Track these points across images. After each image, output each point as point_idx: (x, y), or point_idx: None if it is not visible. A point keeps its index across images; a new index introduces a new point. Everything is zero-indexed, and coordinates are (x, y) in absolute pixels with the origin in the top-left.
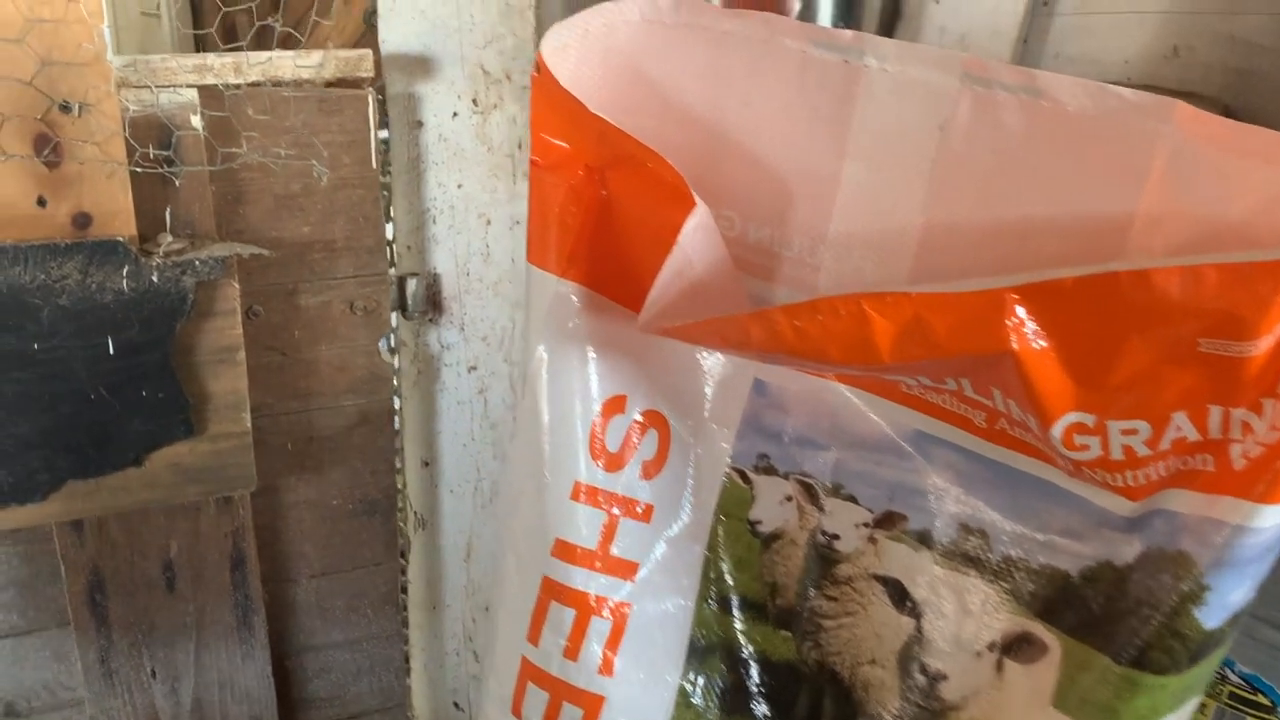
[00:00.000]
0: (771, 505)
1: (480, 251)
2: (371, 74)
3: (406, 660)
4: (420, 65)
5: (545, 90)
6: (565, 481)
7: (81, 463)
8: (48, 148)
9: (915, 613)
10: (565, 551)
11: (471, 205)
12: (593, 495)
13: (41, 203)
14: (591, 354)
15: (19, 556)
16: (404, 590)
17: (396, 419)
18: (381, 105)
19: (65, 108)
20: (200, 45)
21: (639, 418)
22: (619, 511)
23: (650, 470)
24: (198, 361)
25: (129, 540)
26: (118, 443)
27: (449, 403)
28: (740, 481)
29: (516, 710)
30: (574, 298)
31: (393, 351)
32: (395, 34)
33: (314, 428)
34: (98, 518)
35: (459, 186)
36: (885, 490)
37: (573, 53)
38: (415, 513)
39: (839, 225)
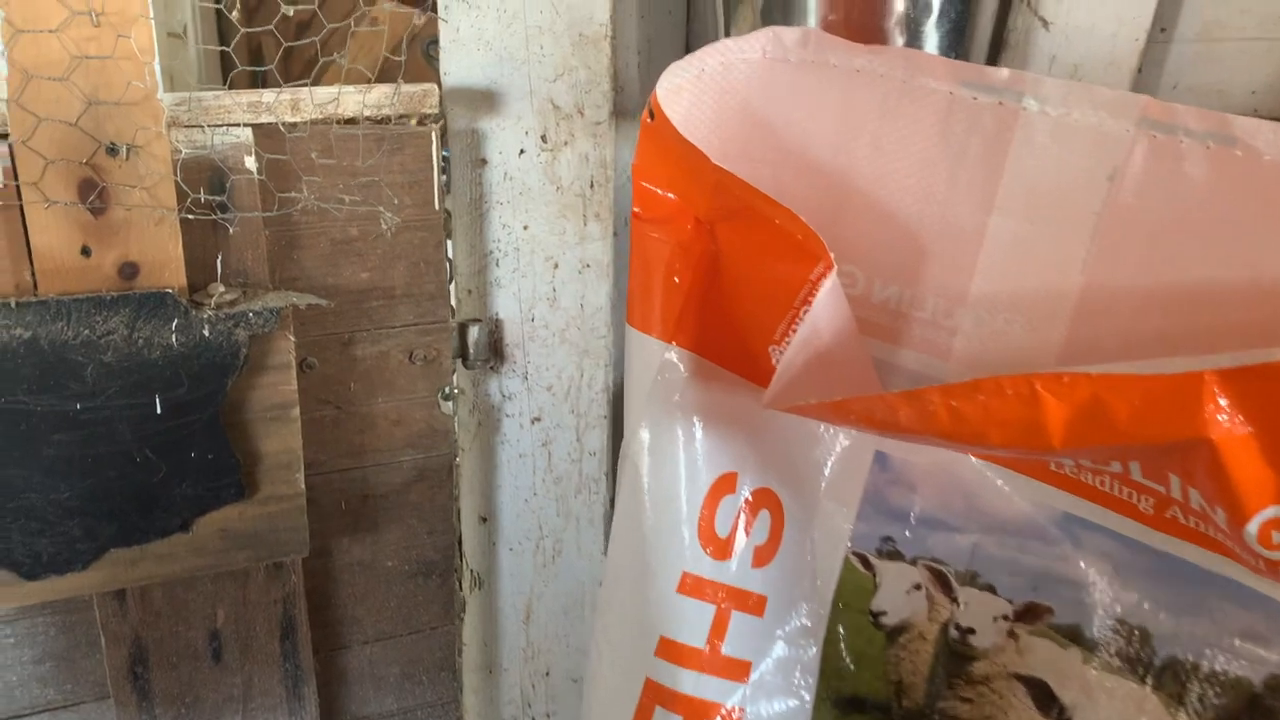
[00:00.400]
0: (897, 594)
1: (546, 296)
2: (436, 110)
3: None
4: (485, 100)
5: (657, 136)
6: (671, 572)
7: (125, 530)
8: (93, 193)
9: (1063, 718)
10: (671, 651)
11: (538, 248)
12: (701, 587)
13: (86, 252)
14: (700, 427)
15: (56, 627)
16: (459, 653)
17: (455, 474)
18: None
19: (112, 150)
20: (226, 68)
21: (749, 497)
22: (730, 604)
23: (763, 557)
24: (249, 420)
25: (174, 609)
26: (164, 508)
27: (510, 455)
28: (861, 567)
29: None
30: (681, 365)
31: (446, 399)
32: (458, 66)
33: (369, 485)
34: (141, 586)
35: (525, 228)
36: (1028, 579)
37: (686, 95)
38: (472, 571)
39: (982, 285)
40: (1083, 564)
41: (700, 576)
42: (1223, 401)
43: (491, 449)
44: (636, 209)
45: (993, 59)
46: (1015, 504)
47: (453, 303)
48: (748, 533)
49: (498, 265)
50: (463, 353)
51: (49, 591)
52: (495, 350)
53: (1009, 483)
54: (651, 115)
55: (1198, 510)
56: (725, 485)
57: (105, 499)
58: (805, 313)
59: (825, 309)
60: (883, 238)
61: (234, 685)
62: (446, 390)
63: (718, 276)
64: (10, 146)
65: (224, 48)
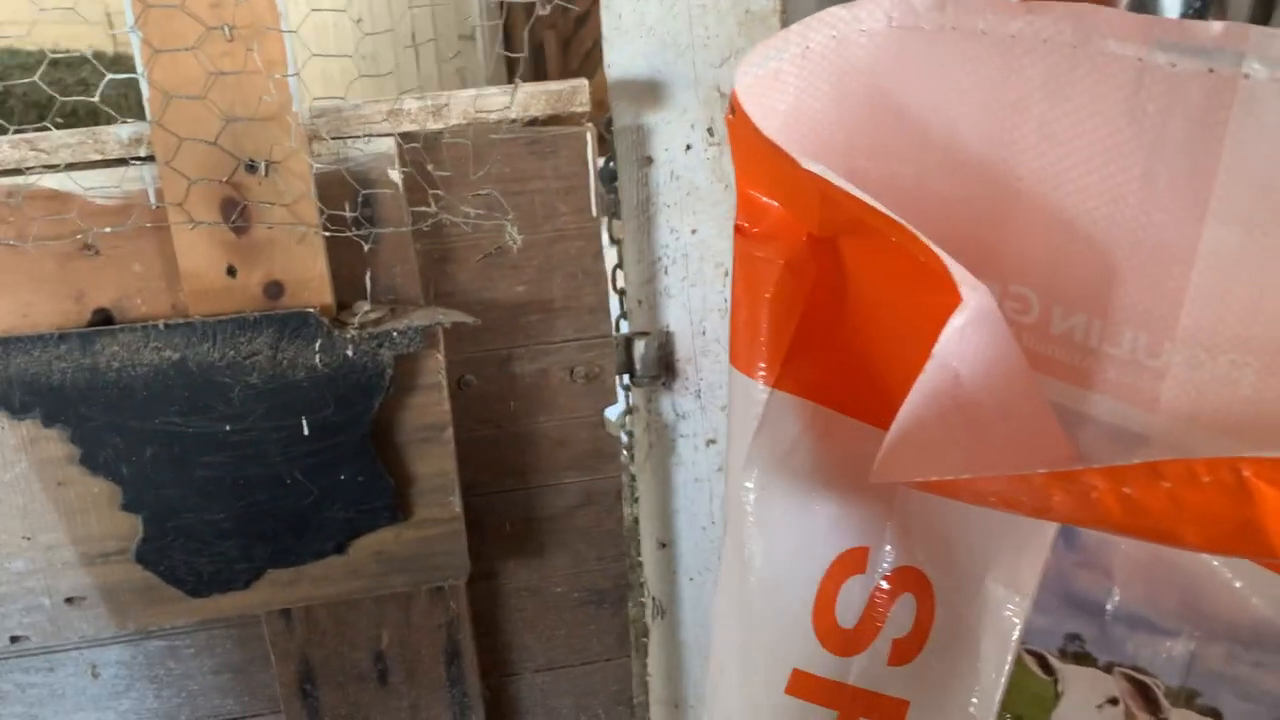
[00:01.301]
0: (1086, 709)
1: (718, 307)
2: (587, 108)
3: None
4: (649, 91)
5: (744, 136)
6: (780, 669)
7: (280, 551)
8: (235, 212)
9: None
10: None
11: (708, 253)
12: (819, 689)
13: (232, 272)
14: (818, 491)
15: (232, 640)
16: (645, 683)
17: (626, 497)
18: (605, 141)
19: (251, 167)
20: (511, 71)
21: (887, 578)
22: (858, 712)
23: (904, 653)
24: (401, 441)
25: (338, 630)
26: (316, 530)
27: (685, 479)
28: (1040, 671)
29: None
30: (793, 413)
31: (622, 421)
32: (621, 56)
33: (534, 508)
34: (305, 606)
35: (693, 232)
36: (1270, 707)
37: (790, 81)
38: (654, 599)
39: (1196, 315)
40: None
41: (817, 675)
42: None
43: (666, 471)
44: (742, 223)
45: (1264, 18)
46: (1254, 606)
47: (621, 314)
48: (882, 623)
49: (666, 274)
50: (629, 368)
51: (213, 609)
52: (666, 365)
53: (1242, 576)
54: (733, 112)
55: None
56: (852, 563)
57: (258, 520)
58: (933, 359)
59: (961, 350)
60: (1062, 252)
61: (401, 708)
62: (621, 408)
63: (843, 306)
64: (156, 168)
65: (519, 55)
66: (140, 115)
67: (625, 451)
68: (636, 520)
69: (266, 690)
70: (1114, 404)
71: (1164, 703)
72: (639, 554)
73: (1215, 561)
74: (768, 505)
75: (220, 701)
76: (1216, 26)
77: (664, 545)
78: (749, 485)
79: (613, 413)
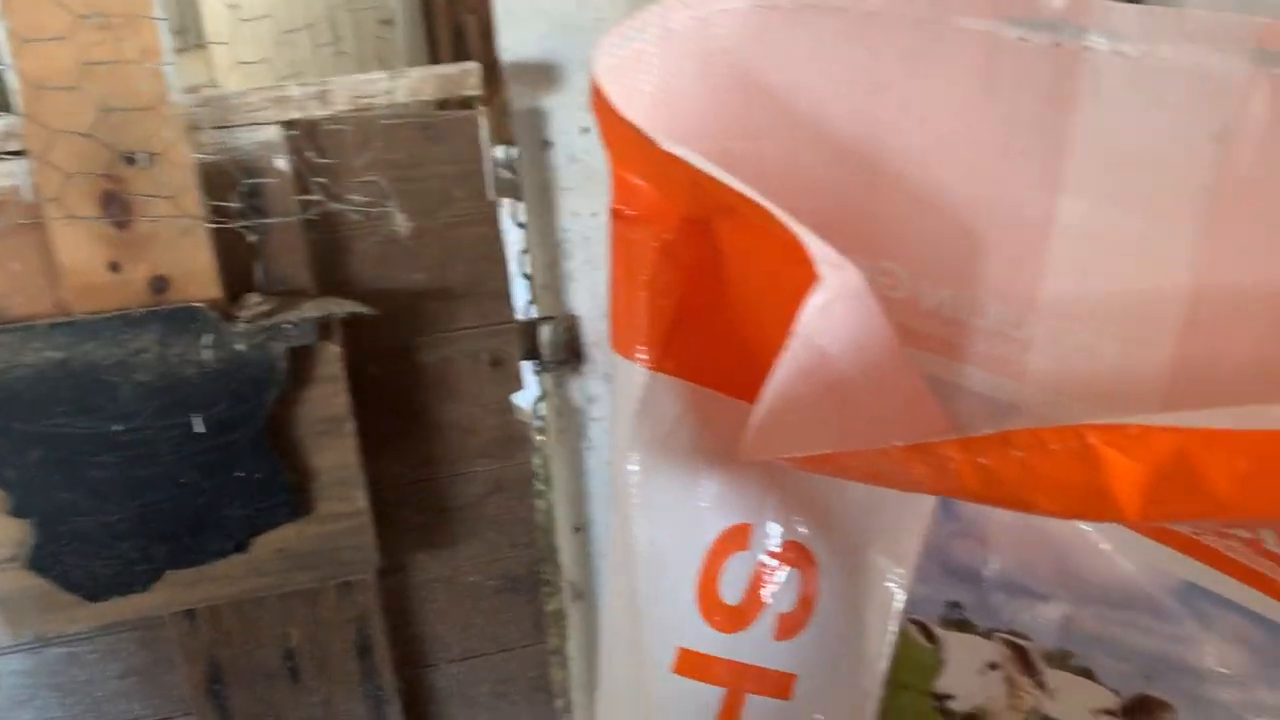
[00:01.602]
0: (967, 674)
1: None
2: (479, 91)
3: None
4: (543, 74)
5: (610, 120)
6: (666, 648)
7: (179, 551)
8: (115, 206)
9: None
10: None
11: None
12: (705, 667)
13: (115, 268)
14: (699, 470)
15: (136, 643)
16: (565, 669)
17: (537, 482)
18: (504, 125)
19: (130, 159)
20: (434, 54)
21: (771, 554)
22: (744, 687)
23: (789, 627)
24: (299, 435)
25: (245, 629)
26: (215, 529)
27: (598, 462)
28: (922, 639)
29: None
30: (673, 395)
31: (534, 407)
32: (514, 39)
33: (443, 498)
34: (209, 606)
35: (594, 215)
36: (1138, 665)
37: (654, 62)
38: (570, 583)
39: (1055, 286)
40: (1212, 651)
41: (702, 653)
42: None
43: (579, 455)
44: (618, 206)
45: None
46: (1120, 568)
47: (527, 300)
48: (768, 598)
49: (569, 257)
50: (535, 354)
51: (114, 612)
52: (573, 350)
53: (1111, 539)
54: (595, 94)
55: None
56: (735, 540)
57: (155, 521)
58: (792, 341)
59: (825, 327)
60: (926, 227)
61: (313, 705)
62: (532, 393)
63: (720, 286)
64: (29, 162)
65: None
66: (8, 109)
67: (538, 437)
68: (549, 509)
69: (175, 693)
70: (985, 375)
71: (1040, 665)
72: (555, 539)
73: (1084, 527)
74: (651, 486)
75: (127, 706)
76: (1060, 1)
77: (579, 529)
78: (632, 468)
79: (521, 399)
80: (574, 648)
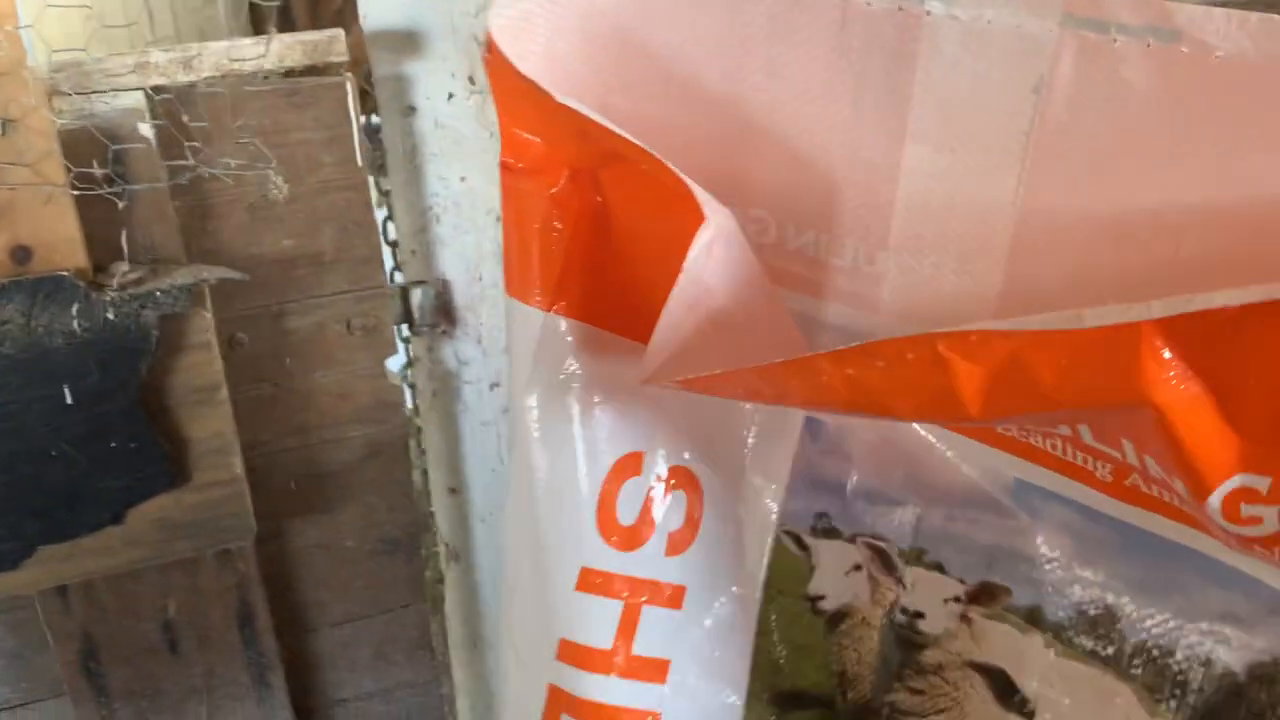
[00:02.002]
0: (836, 576)
1: (493, 253)
2: (345, 58)
3: (451, 704)
4: (406, 41)
5: (502, 76)
6: (568, 568)
7: (52, 526)
8: None
9: (1025, 711)
10: (574, 655)
11: (478, 200)
12: (605, 583)
13: None
14: (595, 404)
15: (3, 626)
16: (443, 629)
17: (413, 446)
18: (368, 94)
19: None
20: (257, 24)
21: (660, 478)
22: (640, 599)
23: (679, 543)
24: (173, 404)
25: (120, 603)
26: (90, 501)
27: (472, 424)
28: (795, 548)
29: None
30: (568, 334)
31: (403, 372)
32: (376, 6)
33: (319, 464)
34: (83, 582)
35: (462, 180)
36: (981, 556)
37: (540, 24)
38: (446, 545)
39: (903, 225)
40: (1041, 538)
41: (602, 570)
42: (1166, 355)
43: (453, 418)
44: (507, 159)
45: None
46: (962, 472)
47: (395, 265)
48: (659, 518)
49: (438, 222)
50: (408, 318)
51: None
52: (445, 314)
53: (955, 448)
54: (489, 51)
55: (1159, 479)
56: (629, 467)
57: (25, 496)
58: (681, 278)
59: (708, 264)
60: (790, 177)
61: (194, 676)
62: (401, 360)
63: (607, 232)
64: None
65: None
66: None
67: (411, 403)
68: (425, 472)
69: (47, 674)
70: (843, 309)
71: (898, 563)
72: (430, 504)
73: (932, 438)
74: (549, 421)
75: None
76: None
77: (454, 491)
78: (531, 404)
79: (393, 364)
80: (451, 608)
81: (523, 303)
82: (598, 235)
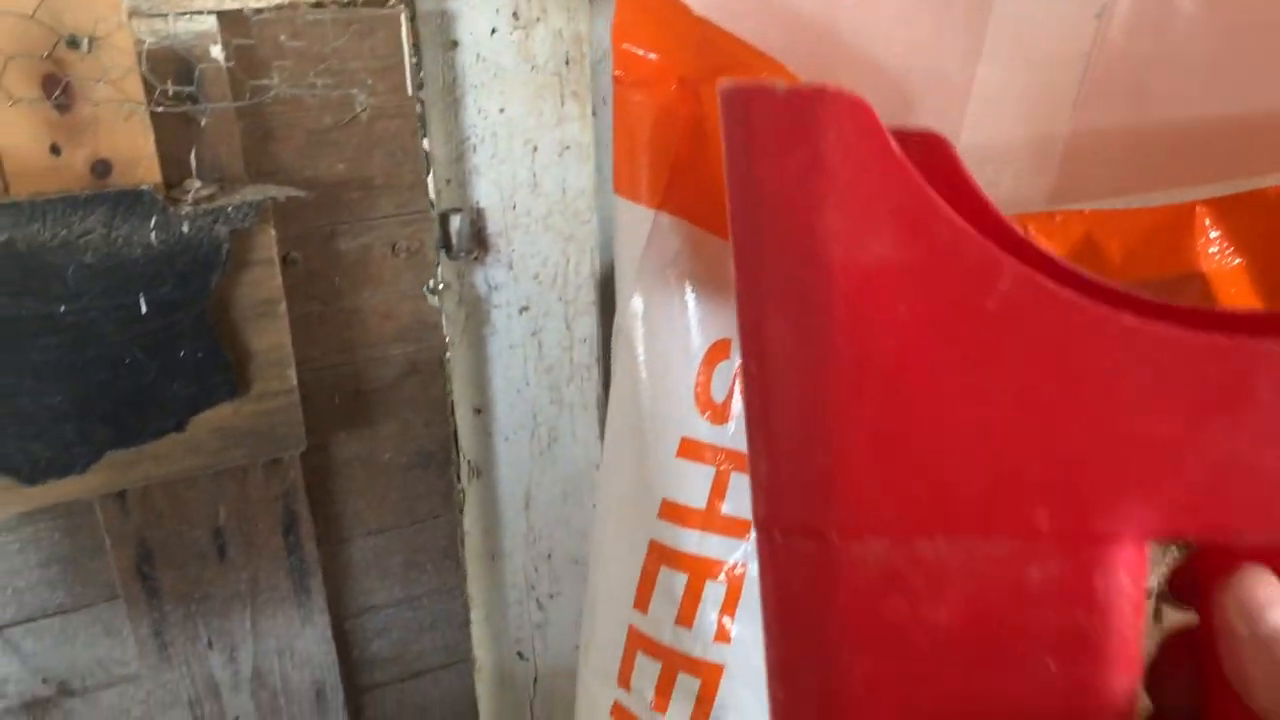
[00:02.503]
0: None
1: (527, 182)
2: None
3: (468, 613)
4: None
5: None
6: (670, 438)
7: (120, 431)
8: (58, 89)
9: None
10: (674, 513)
11: (516, 131)
12: (699, 450)
13: (56, 150)
14: (693, 295)
15: (60, 531)
16: (461, 542)
17: (447, 366)
18: (413, 25)
19: (73, 43)
20: None
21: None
22: (729, 466)
23: None
24: (236, 317)
25: (175, 509)
26: (157, 408)
27: (500, 347)
28: None
29: (624, 682)
30: (672, 231)
31: (432, 292)
32: None
33: (361, 380)
34: (141, 488)
35: (501, 111)
36: None
37: None
38: (469, 461)
39: (971, 135)
40: None
41: (698, 440)
42: (1213, 234)
43: (482, 340)
44: (618, 72)
45: None
46: None
47: (432, 194)
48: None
49: (475, 152)
50: (446, 244)
51: (49, 495)
52: (479, 240)
53: None
54: None
55: None
56: (720, 352)
57: (98, 401)
58: None
59: None
60: (873, 93)
61: (240, 581)
62: (431, 284)
63: (705, 140)
64: None
65: None
66: None
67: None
68: (451, 389)
69: (100, 578)
70: None
71: None
72: (454, 421)
73: None
74: (653, 311)
75: (50, 596)
76: None
77: (479, 411)
78: (638, 293)
79: (430, 286)
80: (470, 522)
81: (632, 201)
82: (700, 143)
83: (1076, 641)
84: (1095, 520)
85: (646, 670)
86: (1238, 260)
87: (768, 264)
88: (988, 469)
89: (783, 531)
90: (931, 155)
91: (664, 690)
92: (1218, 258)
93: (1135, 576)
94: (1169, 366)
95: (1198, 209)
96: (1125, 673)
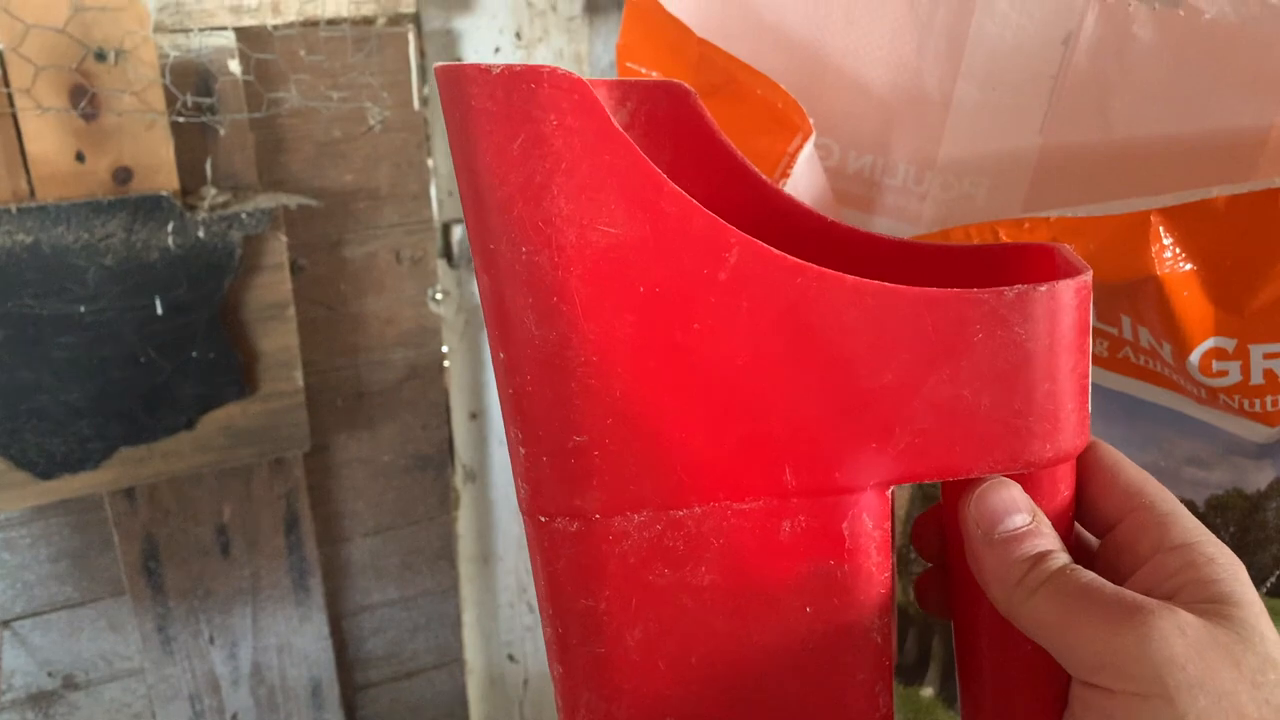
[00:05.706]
0: None
1: None
2: (413, 9)
3: (460, 614)
4: (459, 0)
5: (642, 14)
6: None
7: (133, 428)
8: (84, 99)
9: None
10: None
11: None
12: None
13: (80, 158)
14: None
15: (70, 527)
16: (455, 544)
17: (445, 371)
18: (420, 42)
19: (101, 56)
20: None
21: None
22: None
23: None
24: (247, 319)
25: (181, 506)
26: (169, 406)
27: None
28: None
29: None
30: None
31: (435, 300)
32: None
33: (363, 383)
34: (149, 484)
35: None
36: None
37: None
38: (464, 465)
39: (949, 150)
40: None
41: None
42: (1167, 240)
43: (479, 347)
44: None
45: None
46: None
47: (434, 205)
48: None
49: None
50: (447, 253)
51: (63, 490)
52: None
53: None
54: None
55: (1147, 349)
56: None
57: (113, 399)
58: (784, 184)
59: (803, 178)
60: (856, 109)
61: (243, 578)
62: (432, 292)
63: None
64: (1, 54)
65: None
66: None
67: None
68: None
69: (107, 573)
70: (890, 223)
71: None
72: (450, 425)
73: None
74: None
75: (58, 590)
76: None
77: (474, 416)
78: None
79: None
80: (464, 525)
81: None
82: None
83: (829, 585)
84: (837, 473)
85: None
86: (1189, 265)
87: (502, 249)
88: (734, 435)
89: (547, 515)
90: (675, 107)
91: None
92: (1171, 262)
93: (879, 519)
94: (892, 321)
95: (1152, 217)
96: (877, 607)
